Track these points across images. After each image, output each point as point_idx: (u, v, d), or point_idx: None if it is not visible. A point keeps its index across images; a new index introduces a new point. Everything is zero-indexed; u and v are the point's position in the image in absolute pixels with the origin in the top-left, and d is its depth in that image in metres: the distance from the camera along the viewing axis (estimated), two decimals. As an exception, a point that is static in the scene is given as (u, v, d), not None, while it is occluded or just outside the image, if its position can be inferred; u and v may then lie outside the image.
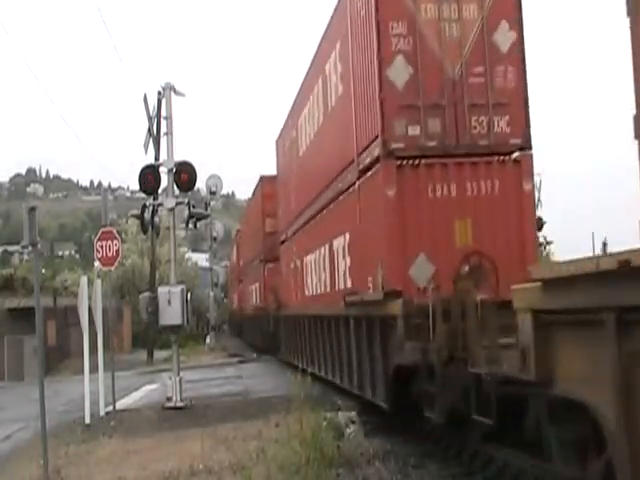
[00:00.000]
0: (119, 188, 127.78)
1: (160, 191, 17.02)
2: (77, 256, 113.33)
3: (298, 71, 20.79)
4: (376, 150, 10.15)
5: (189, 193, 17.22)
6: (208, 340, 40.00)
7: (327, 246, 14.13)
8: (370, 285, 10.60)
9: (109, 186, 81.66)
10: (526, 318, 5.23)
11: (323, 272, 14.74)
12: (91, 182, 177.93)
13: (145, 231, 17.80)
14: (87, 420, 13.77)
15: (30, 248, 9.90)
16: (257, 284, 29.76)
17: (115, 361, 15.81)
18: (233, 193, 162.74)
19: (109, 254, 15.28)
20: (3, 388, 25.74)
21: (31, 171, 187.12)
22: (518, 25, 10.18)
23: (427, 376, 8.23)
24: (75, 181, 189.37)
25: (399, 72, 9.91)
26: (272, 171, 24.18)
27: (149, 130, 17.22)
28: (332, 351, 14.37)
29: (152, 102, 16.90)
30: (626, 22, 3.95)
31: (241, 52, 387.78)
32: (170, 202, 16.02)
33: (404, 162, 9.88)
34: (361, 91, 10.90)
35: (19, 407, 17.90)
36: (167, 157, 16.24)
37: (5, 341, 29.42)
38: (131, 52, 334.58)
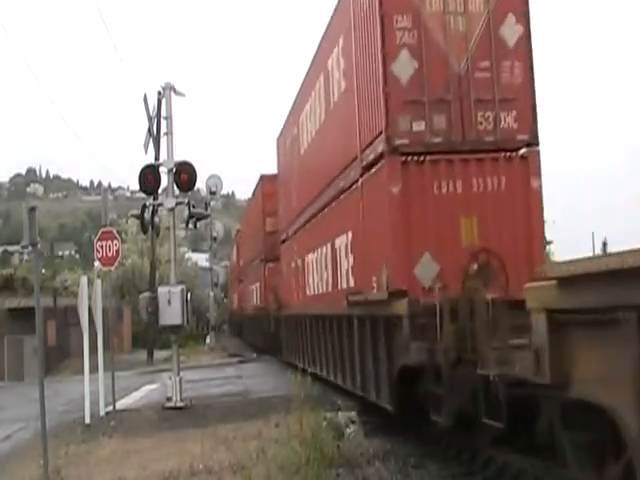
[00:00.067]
0: (119, 188, 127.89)
1: (160, 191, 17.04)
2: (77, 256, 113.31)
3: (298, 70, 20.60)
4: (380, 146, 9.93)
5: (189, 193, 17.24)
6: (208, 340, 40.01)
7: (329, 245, 13.93)
8: (374, 284, 10.40)
9: (109, 186, 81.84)
10: (540, 318, 5.02)
11: (325, 271, 14.54)
12: (91, 182, 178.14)
13: (145, 231, 17.80)
14: (87, 420, 13.77)
15: (30, 248, 9.90)
16: (257, 284, 29.62)
17: (115, 361, 15.80)
18: (233, 193, 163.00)
19: (109, 254, 15.29)
20: (3, 388, 25.74)
21: (31, 171, 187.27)
22: (525, 19, 9.96)
23: (433, 378, 8.04)
24: (75, 181, 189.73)
25: (404, 67, 9.70)
26: (272, 171, 24.09)
27: (149, 130, 17.23)
28: (334, 351, 14.17)
29: (152, 102, 16.95)
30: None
31: (241, 51, 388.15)
32: (170, 202, 16.04)
33: (409, 158, 9.65)
34: (364, 86, 10.69)
35: (19, 407, 17.89)
36: (167, 157, 16.26)
37: (5, 341, 29.42)
38: (131, 52, 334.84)
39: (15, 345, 28.76)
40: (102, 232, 15.45)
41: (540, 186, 9.77)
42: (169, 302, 15.18)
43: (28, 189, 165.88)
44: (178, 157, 16.09)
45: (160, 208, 16.41)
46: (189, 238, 73.90)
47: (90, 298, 14.23)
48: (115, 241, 15.37)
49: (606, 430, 4.86)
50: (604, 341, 4.45)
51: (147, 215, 16.12)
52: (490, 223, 9.59)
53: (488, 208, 9.63)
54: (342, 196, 12.67)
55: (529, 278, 8.05)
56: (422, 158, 9.68)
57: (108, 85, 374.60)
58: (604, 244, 30.18)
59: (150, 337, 31.80)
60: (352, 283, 12.06)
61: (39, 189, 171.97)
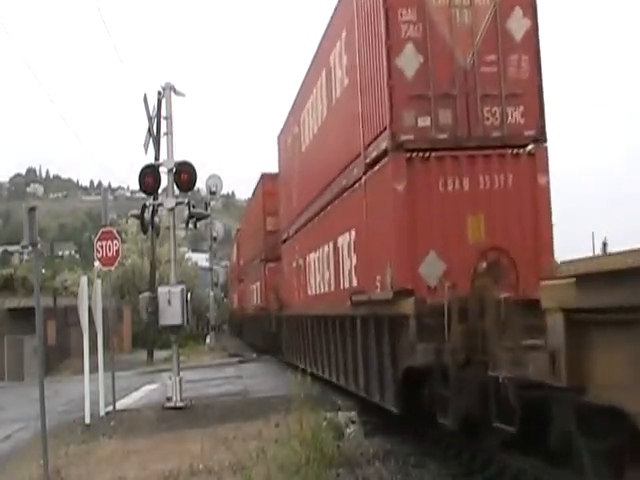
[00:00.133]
0: (119, 188, 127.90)
1: (160, 191, 17.11)
2: (77, 256, 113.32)
3: (299, 69, 20.52)
4: (384, 143, 9.71)
5: (189, 193, 17.32)
6: (208, 340, 40.05)
7: (331, 244, 13.73)
8: (378, 284, 10.19)
9: (109, 186, 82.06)
10: (557, 318, 4.80)
11: (327, 271, 14.34)
12: (91, 182, 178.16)
13: (145, 231, 17.89)
14: (87, 420, 13.81)
15: (30, 248, 9.94)
16: (258, 283, 29.46)
17: (115, 361, 15.84)
18: (233, 193, 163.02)
19: (109, 254, 15.35)
20: (3, 388, 25.80)
21: (31, 171, 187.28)
22: (532, 12, 9.74)
23: (441, 379, 7.82)
24: (75, 181, 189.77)
25: (408, 61, 9.48)
26: (273, 171, 23.91)
27: (149, 130, 17.29)
28: (337, 352, 13.96)
29: (152, 102, 17.02)
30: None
31: (241, 51, 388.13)
32: (170, 202, 16.11)
33: (414, 155, 9.42)
34: (368, 81, 10.46)
35: (19, 407, 17.92)
36: (167, 157, 16.33)
37: (5, 341, 29.49)
38: (131, 52, 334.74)
39: (15, 345, 28.83)
40: (102, 232, 15.50)
41: (548, 183, 9.56)
42: (169, 302, 15.22)
43: (28, 189, 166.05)
44: (178, 157, 16.18)
45: (160, 208, 16.46)
46: (189, 238, 73.96)
47: (90, 298, 14.25)
48: (115, 241, 15.43)
49: (625, 436, 4.65)
50: (628, 342, 4.23)
51: (147, 215, 16.17)
52: (497, 221, 9.37)
53: (495, 205, 9.41)
54: (345, 194, 12.46)
55: (538, 277, 7.86)
56: (427, 154, 9.46)
57: (108, 85, 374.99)
58: (604, 244, 30.02)
59: (150, 337, 31.86)
60: (355, 283, 11.86)
61: (39, 189, 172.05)
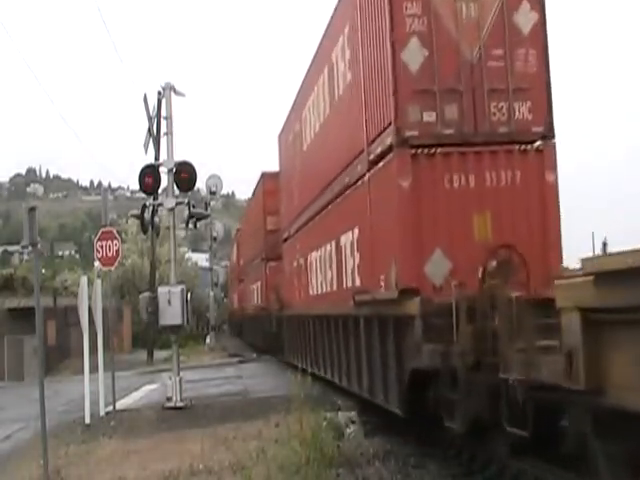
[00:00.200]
0: (119, 188, 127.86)
1: (160, 191, 17.13)
2: (77, 256, 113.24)
3: (299, 69, 20.34)
4: (389, 138, 9.50)
5: (189, 193, 17.34)
6: (208, 340, 40.04)
7: (334, 243, 13.53)
8: (382, 283, 9.99)
9: (109, 186, 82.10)
10: (573, 318, 4.59)
11: (329, 270, 14.13)
12: (91, 182, 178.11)
13: (145, 231, 17.91)
14: (87, 420, 13.82)
15: (30, 248, 9.95)
16: (258, 283, 29.30)
17: (115, 361, 15.86)
18: (233, 193, 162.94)
19: (109, 254, 15.37)
20: (3, 388, 25.82)
21: (31, 171, 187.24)
22: (540, 5, 9.53)
23: (448, 382, 7.60)
24: (75, 181, 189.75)
25: (413, 55, 9.27)
26: (273, 171, 23.75)
27: (149, 130, 17.33)
28: (339, 353, 13.77)
29: (152, 102, 17.04)
30: None
31: (241, 51, 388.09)
32: (170, 202, 16.13)
33: (419, 151, 9.21)
34: (372, 76, 10.26)
35: (19, 407, 17.93)
36: (167, 157, 16.35)
37: (5, 341, 29.53)
38: (131, 52, 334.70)
39: (15, 345, 28.87)
40: (102, 232, 15.51)
41: (556, 180, 9.35)
42: (169, 302, 15.22)
43: (28, 189, 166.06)
44: (178, 157, 16.20)
45: (160, 208, 16.47)
46: (189, 238, 73.89)
47: (90, 298, 14.25)
48: (115, 241, 15.44)
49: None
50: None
51: (147, 215, 16.17)
52: (504, 218, 9.17)
53: (502, 203, 9.20)
54: (348, 192, 12.25)
55: (547, 275, 7.64)
56: (433, 150, 9.25)
57: (108, 85, 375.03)
58: (604, 244, 29.84)
59: (150, 337, 31.88)
60: (358, 282, 11.65)
61: (39, 189, 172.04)
